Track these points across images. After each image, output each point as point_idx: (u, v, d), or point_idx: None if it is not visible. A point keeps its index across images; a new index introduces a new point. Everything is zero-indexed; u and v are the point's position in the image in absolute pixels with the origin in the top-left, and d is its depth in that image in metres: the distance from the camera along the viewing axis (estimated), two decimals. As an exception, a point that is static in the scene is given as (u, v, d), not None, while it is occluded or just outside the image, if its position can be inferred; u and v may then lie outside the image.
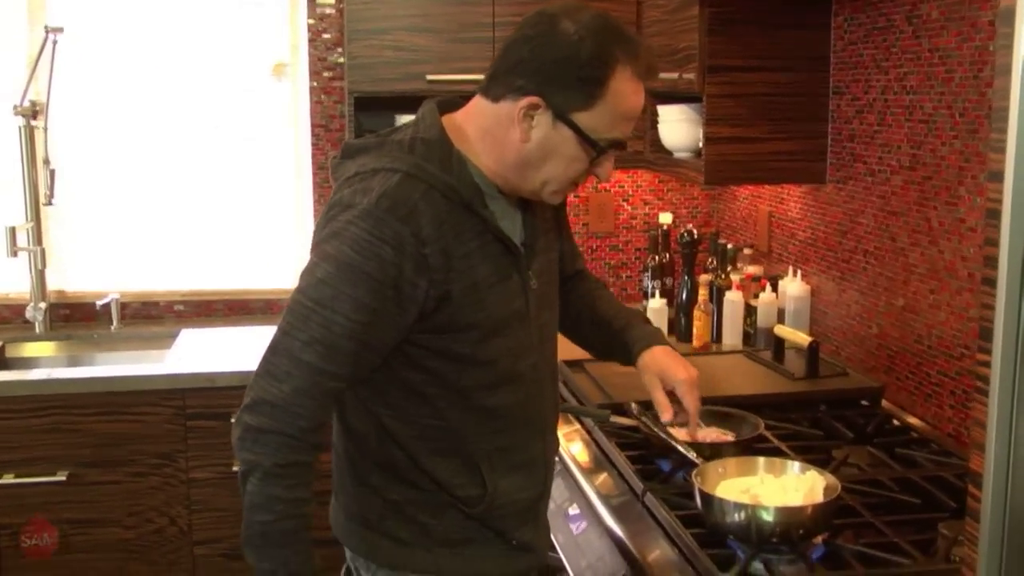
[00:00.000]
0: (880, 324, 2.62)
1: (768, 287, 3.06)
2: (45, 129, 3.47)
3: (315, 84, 3.62)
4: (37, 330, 3.51)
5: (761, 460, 1.93)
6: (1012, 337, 0.99)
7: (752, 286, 3.13)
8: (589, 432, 2.42)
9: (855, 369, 2.66)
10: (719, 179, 3.00)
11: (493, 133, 1.65)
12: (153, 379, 3.04)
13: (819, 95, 2.84)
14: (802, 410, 2.46)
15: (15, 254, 3.44)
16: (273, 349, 1.58)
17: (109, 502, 3.05)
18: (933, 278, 2.38)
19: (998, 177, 1.00)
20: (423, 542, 1.73)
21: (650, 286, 3.34)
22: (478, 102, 1.68)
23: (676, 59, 2.92)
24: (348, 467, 1.77)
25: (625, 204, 3.80)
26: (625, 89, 1.61)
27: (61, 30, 3.40)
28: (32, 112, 3.44)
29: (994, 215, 1.00)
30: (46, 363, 3.47)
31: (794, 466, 1.89)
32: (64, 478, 3.00)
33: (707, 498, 1.77)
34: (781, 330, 2.77)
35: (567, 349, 2.10)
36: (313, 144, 3.65)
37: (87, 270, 3.64)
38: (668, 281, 3.39)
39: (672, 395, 1.96)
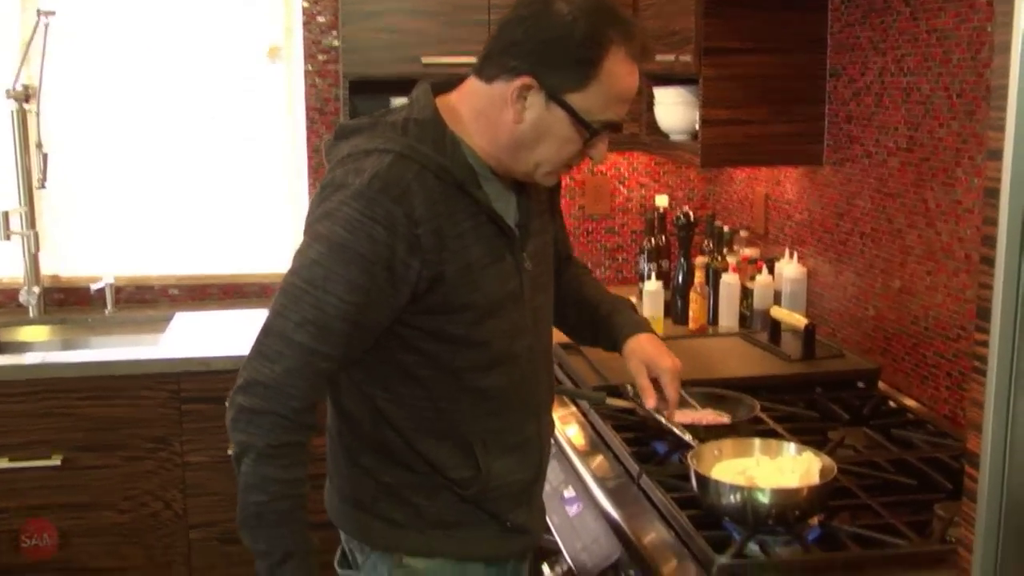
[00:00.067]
0: (876, 306, 2.62)
1: (764, 269, 3.05)
2: (38, 113, 3.45)
3: (310, 67, 3.61)
4: (31, 314, 3.50)
5: (757, 442, 1.92)
6: (1010, 316, 0.98)
7: (748, 268, 3.13)
8: (585, 414, 2.42)
9: (851, 351, 2.66)
10: (715, 161, 2.99)
11: (487, 114, 1.64)
12: (147, 363, 3.03)
13: (816, 77, 2.83)
14: (798, 392, 2.46)
15: (8, 238, 3.42)
16: (266, 330, 1.58)
17: (104, 486, 3.04)
18: (930, 259, 2.38)
19: (997, 156, 0.99)
20: (417, 524, 1.73)
21: (646, 268, 3.33)
22: (472, 83, 1.67)
23: (672, 41, 2.91)
24: (342, 450, 1.77)
25: (621, 186, 3.79)
26: (619, 70, 1.60)
27: (53, 13, 3.37)
28: (24, 96, 3.42)
29: (992, 194, 1.00)
30: (40, 347, 3.46)
31: (790, 448, 1.88)
32: (59, 462, 2.99)
33: (703, 480, 1.77)
34: (777, 312, 2.77)
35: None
36: (308, 127, 3.63)
37: (81, 254, 3.62)
38: (664, 263, 3.38)
39: (654, 383, 1.95)
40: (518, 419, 1.76)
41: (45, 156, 3.44)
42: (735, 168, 3.48)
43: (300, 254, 1.58)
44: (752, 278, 3.08)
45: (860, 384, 2.52)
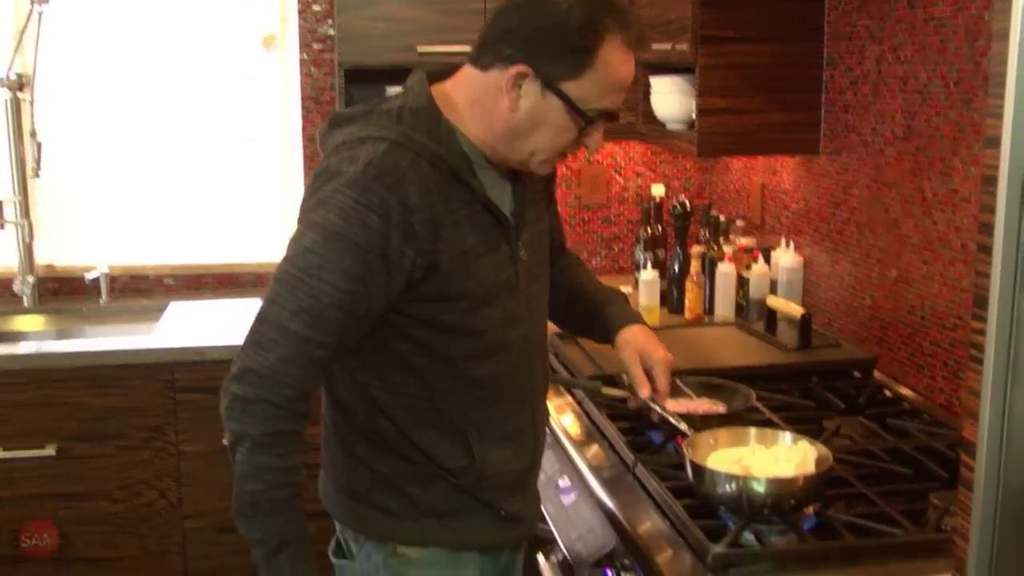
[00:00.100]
0: (873, 295, 2.62)
1: (760, 259, 3.05)
2: (32, 102, 3.43)
3: (305, 56, 3.59)
4: (25, 304, 3.49)
5: (753, 431, 1.92)
6: (1007, 304, 0.97)
7: (744, 258, 3.12)
8: (580, 403, 2.41)
9: (847, 340, 2.66)
10: (712, 150, 2.99)
11: (482, 102, 1.63)
12: (142, 353, 3.03)
13: (813, 66, 2.82)
14: (794, 381, 2.45)
15: (2, 227, 3.42)
16: (260, 319, 1.58)
17: (98, 476, 3.04)
18: (926, 249, 2.37)
19: (995, 143, 0.98)
20: (411, 513, 1.72)
21: (642, 258, 3.33)
22: (467, 71, 1.67)
23: (669, 30, 2.90)
24: (336, 439, 1.76)
25: (617, 176, 3.78)
26: (615, 59, 1.60)
27: (47, 1, 3.35)
28: (19, 84, 3.40)
29: (990, 181, 0.99)
30: (35, 337, 3.45)
31: (786, 437, 1.88)
32: (53, 452, 2.99)
33: (698, 469, 1.77)
34: (773, 301, 2.77)
35: (558, 321, 2.09)
36: (303, 117, 3.62)
37: (76, 243, 3.61)
38: (660, 253, 3.38)
39: (647, 374, 1.95)
40: (513, 408, 1.76)
41: (39, 145, 3.42)
42: (731, 157, 3.47)
43: (294, 242, 1.58)
44: (748, 267, 3.08)
45: (856, 373, 2.52)
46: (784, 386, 2.41)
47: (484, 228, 1.64)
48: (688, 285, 3.12)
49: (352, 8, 3.18)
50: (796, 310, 2.64)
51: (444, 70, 1.71)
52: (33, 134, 3.43)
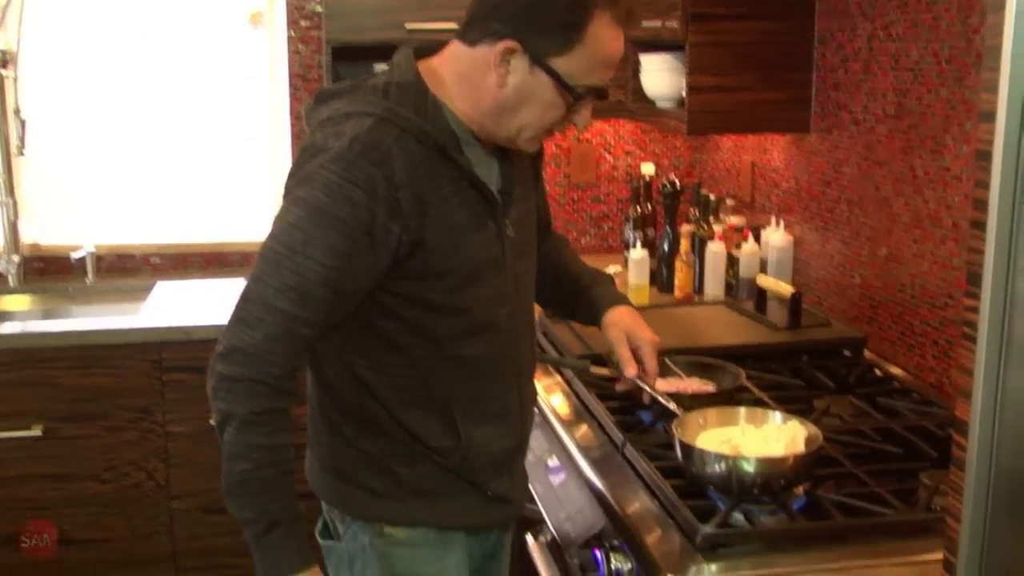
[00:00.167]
0: (863, 274, 2.61)
1: (751, 237, 3.04)
2: (15, 79, 3.40)
3: (292, 33, 3.56)
4: (11, 283, 3.46)
5: (742, 410, 1.91)
6: (1001, 281, 0.96)
7: (734, 237, 3.11)
8: (569, 383, 2.40)
9: (837, 319, 2.65)
10: (702, 128, 2.97)
11: (469, 78, 1.61)
12: (129, 332, 3.01)
13: (804, 44, 2.80)
14: (784, 360, 2.45)
15: (-14, 205, 3.39)
16: (245, 296, 1.56)
17: (85, 457, 3.02)
18: (917, 227, 2.36)
19: (990, 118, 0.97)
20: (397, 493, 1.71)
21: (632, 237, 3.31)
22: (455, 47, 1.65)
23: (659, 7, 2.88)
24: (322, 419, 1.75)
25: (607, 154, 3.76)
26: (604, 35, 1.58)
27: (30, -24, 3.33)
28: (2, 61, 3.37)
29: (985, 157, 0.97)
30: (20, 317, 3.42)
31: (775, 416, 1.87)
32: (40, 433, 2.97)
33: (687, 449, 1.76)
34: (763, 280, 2.76)
35: (547, 300, 2.07)
36: (291, 94, 3.59)
37: (61, 222, 3.58)
38: (650, 232, 3.36)
39: (634, 354, 1.94)
40: (500, 387, 1.75)
41: (23, 123, 3.40)
42: (722, 136, 3.46)
43: (279, 219, 1.56)
44: (738, 246, 3.06)
45: (846, 352, 2.51)
46: (774, 365, 2.40)
47: (471, 205, 1.62)
48: (678, 264, 3.10)
49: (339, -15, 3.15)
50: (786, 289, 2.63)
51: (431, 46, 1.69)
52: (17, 112, 3.40)
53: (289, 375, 1.57)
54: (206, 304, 3.22)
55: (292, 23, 3.55)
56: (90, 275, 3.51)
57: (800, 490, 1.76)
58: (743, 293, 3.00)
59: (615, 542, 1.78)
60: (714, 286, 3.09)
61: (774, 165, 3.08)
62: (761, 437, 1.79)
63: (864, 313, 2.60)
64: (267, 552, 1.60)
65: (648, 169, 3.49)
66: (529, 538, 2.17)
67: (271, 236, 1.56)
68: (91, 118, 3.55)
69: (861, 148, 2.58)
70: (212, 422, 1.60)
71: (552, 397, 2.36)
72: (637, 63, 3.16)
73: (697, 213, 3.22)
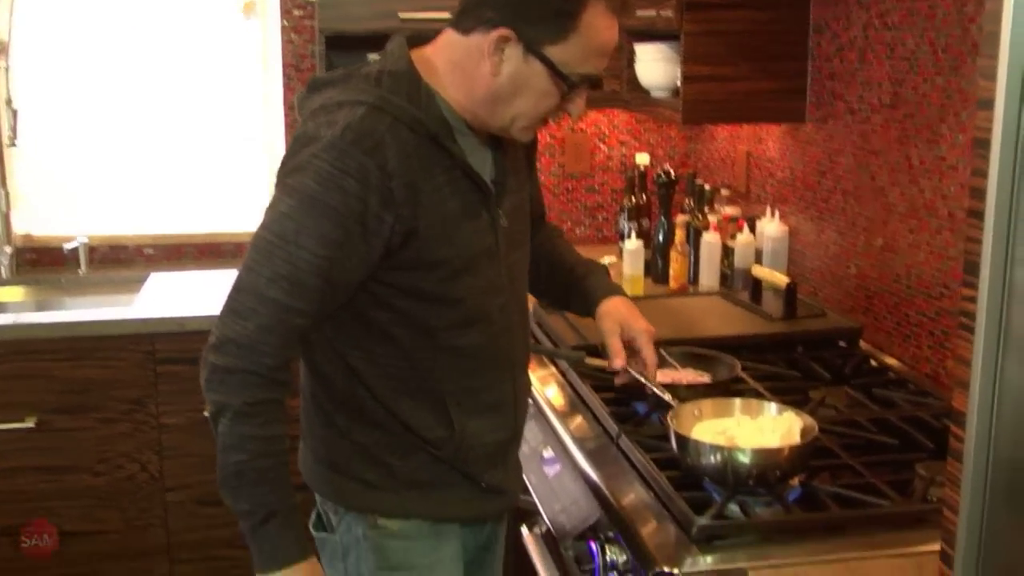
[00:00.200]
0: (859, 264, 2.60)
1: (746, 228, 3.03)
2: (7, 69, 3.38)
3: (286, 23, 3.54)
4: (3, 275, 3.44)
5: (738, 402, 1.91)
6: (999, 271, 0.95)
7: (729, 227, 3.10)
8: (564, 374, 2.40)
9: (833, 310, 2.64)
10: (697, 118, 2.96)
11: (463, 67, 1.60)
12: (122, 324, 2.99)
13: (799, 33, 2.80)
14: (779, 351, 2.44)
15: (-22, 196, 3.37)
16: (237, 287, 1.55)
17: (79, 449, 3.00)
18: (913, 217, 2.35)
19: (988, 105, 0.96)
20: (391, 484, 1.71)
21: (627, 227, 3.30)
22: (448, 35, 1.64)
23: (653, -5, 2.87)
24: (315, 410, 1.74)
25: (601, 144, 3.75)
26: (598, 23, 1.57)
27: (21, -35, 3.30)
28: (-7, 51, 3.36)
29: (983, 145, 0.96)
30: (13, 308, 3.40)
31: (771, 407, 1.87)
32: (33, 424, 2.95)
33: (682, 440, 1.75)
34: (759, 271, 2.75)
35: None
36: (284, 84, 3.57)
37: (54, 213, 3.56)
38: (645, 222, 3.36)
39: (629, 346, 1.92)
40: (493, 378, 1.74)
41: (15, 113, 3.37)
42: (716, 125, 3.45)
43: (271, 208, 1.56)
44: (733, 237, 3.06)
45: (842, 343, 2.50)
46: (769, 356, 2.40)
47: (464, 194, 1.61)
48: (673, 255, 3.10)
49: (333, -26, 3.14)
50: (781, 279, 2.62)
51: (425, 35, 1.68)
52: (9, 102, 3.38)
53: (283, 365, 1.57)
54: (200, 295, 3.20)
55: (285, 12, 3.53)
56: (83, 266, 3.49)
57: (796, 481, 1.76)
58: (738, 283, 2.99)
59: (610, 534, 1.77)
60: (709, 277, 3.08)
61: (769, 155, 3.07)
62: (756, 428, 1.79)
63: (860, 303, 2.59)
64: (264, 543, 1.59)
65: (643, 159, 3.48)
66: (524, 530, 2.16)
67: (263, 225, 1.55)
68: (83, 108, 3.53)
69: (856, 138, 2.57)
70: (206, 413, 1.59)
71: (547, 388, 2.35)
72: (632, 52, 3.15)
73: (692, 203, 3.21)
